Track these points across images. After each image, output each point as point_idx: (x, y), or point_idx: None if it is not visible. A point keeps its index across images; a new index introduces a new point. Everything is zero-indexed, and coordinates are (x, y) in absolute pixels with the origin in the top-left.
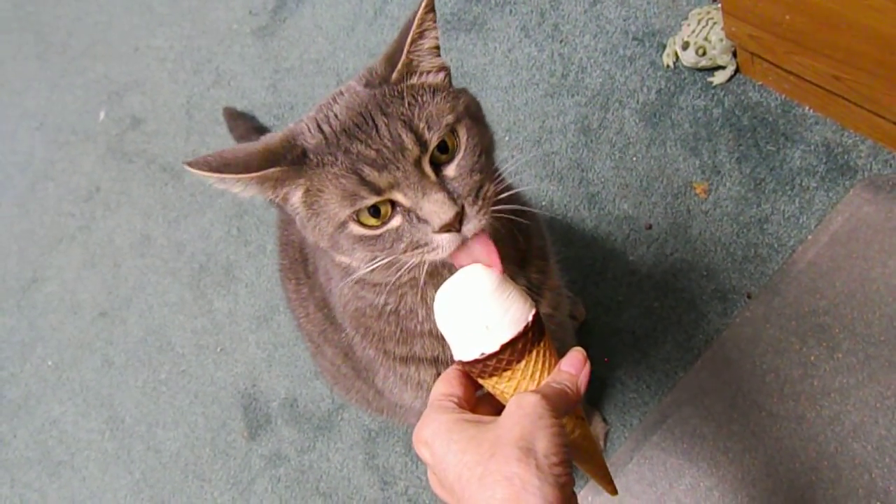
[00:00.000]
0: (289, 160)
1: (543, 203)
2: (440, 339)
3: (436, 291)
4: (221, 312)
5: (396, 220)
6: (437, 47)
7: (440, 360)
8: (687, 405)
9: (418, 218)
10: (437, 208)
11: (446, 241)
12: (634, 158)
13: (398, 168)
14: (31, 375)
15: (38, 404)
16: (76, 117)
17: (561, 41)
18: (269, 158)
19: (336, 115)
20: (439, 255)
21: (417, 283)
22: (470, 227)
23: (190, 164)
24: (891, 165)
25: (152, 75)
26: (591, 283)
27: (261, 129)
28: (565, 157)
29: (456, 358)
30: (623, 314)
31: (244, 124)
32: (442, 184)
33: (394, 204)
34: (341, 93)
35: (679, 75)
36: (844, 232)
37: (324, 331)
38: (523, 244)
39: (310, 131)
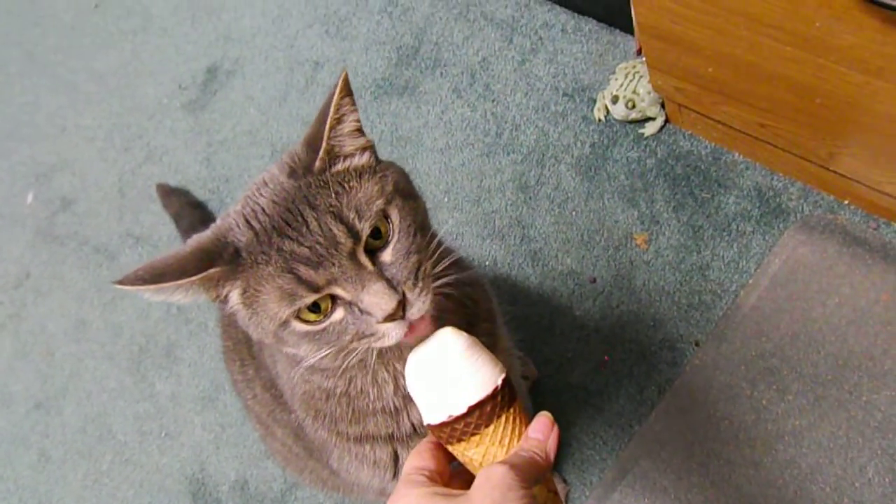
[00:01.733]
0: (225, 259)
1: (487, 262)
2: (393, 416)
3: (386, 371)
4: (164, 395)
5: (339, 313)
6: (359, 129)
7: (395, 436)
8: (645, 459)
9: (360, 310)
10: (377, 300)
11: (392, 330)
12: (574, 213)
13: (333, 263)
14: None
15: None
16: (2, 201)
17: (493, 100)
18: (204, 259)
19: (263, 210)
20: (385, 342)
21: (366, 364)
22: (414, 312)
23: (121, 283)
24: (821, 206)
25: (81, 155)
26: (539, 341)
27: (196, 205)
28: (505, 215)
29: (425, 422)
30: (574, 370)
31: (178, 200)
32: (380, 272)
33: (334, 297)
34: (265, 182)
35: (611, 128)
36: (783, 274)
37: (272, 412)
38: (471, 308)
39: (239, 227)
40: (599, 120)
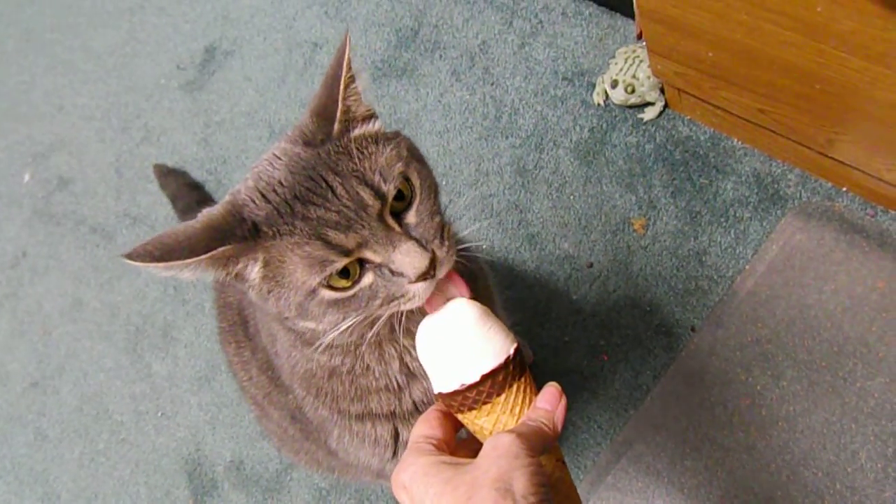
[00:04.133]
0: (239, 236)
1: (484, 246)
2: (396, 393)
3: (393, 347)
4: (160, 376)
5: (368, 278)
6: (361, 92)
7: (396, 414)
8: (639, 442)
9: (391, 272)
10: (410, 259)
11: (422, 289)
12: (571, 197)
13: (363, 226)
14: None
15: None
16: None
17: (492, 84)
18: (216, 237)
19: (281, 182)
20: (415, 303)
21: (375, 340)
22: (442, 270)
23: (129, 257)
24: (818, 193)
25: (78, 134)
26: (536, 325)
27: (193, 185)
28: (503, 198)
29: (435, 391)
30: (570, 355)
31: (176, 181)
32: (408, 232)
33: (362, 262)
34: (277, 157)
35: (610, 113)
36: (780, 260)
37: (269, 394)
38: (471, 283)
39: (254, 202)
40: (598, 104)
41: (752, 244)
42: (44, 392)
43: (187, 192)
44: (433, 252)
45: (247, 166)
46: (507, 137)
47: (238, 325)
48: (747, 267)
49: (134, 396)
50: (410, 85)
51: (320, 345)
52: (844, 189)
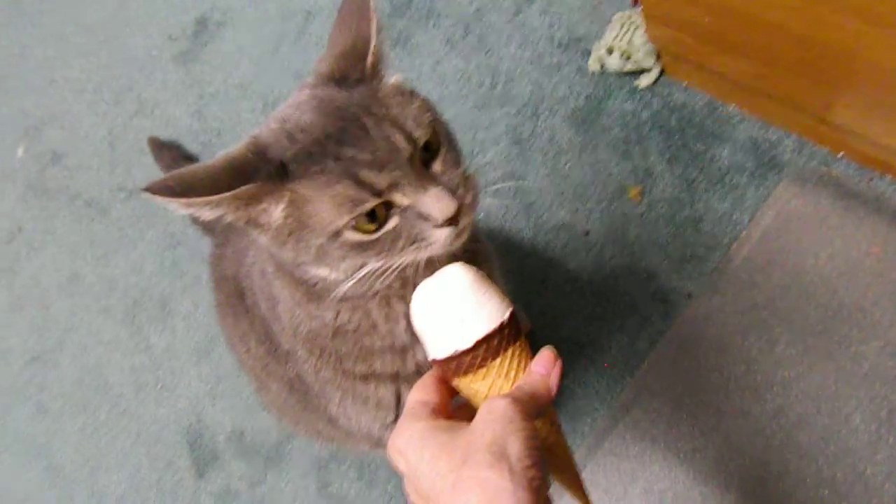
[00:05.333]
0: (264, 175)
1: (480, 216)
2: (400, 354)
3: (402, 304)
4: (159, 348)
5: (394, 221)
6: None
7: (400, 375)
8: (636, 408)
9: (418, 215)
10: (439, 203)
11: (445, 235)
12: (567, 166)
13: (396, 168)
14: None
15: None
16: None
17: (487, 52)
18: (240, 175)
19: (312, 123)
20: (436, 249)
21: (386, 294)
22: (464, 220)
23: (149, 190)
24: (815, 159)
25: (71, 108)
26: (532, 294)
27: (188, 158)
28: (499, 167)
29: (430, 357)
30: (567, 322)
31: (170, 153)
32: (437, 179)
33: (388, 206)
34: (304, 101)
35: (606, 80)
36: (776, 227)
37: (267, 365)
38: (472, 248)
39: (281, 143)
40: (594, 72)
41: (749, 211)
42: (44, 366)
43: (182, 164)
44: (460, 199)
45: (242, 138)
46: (502, 106)
47: (235, 296)
48: (743, 233)
49: (133, 369)
50: (405, 54)
51: (334, 297)
52: (841, 155)
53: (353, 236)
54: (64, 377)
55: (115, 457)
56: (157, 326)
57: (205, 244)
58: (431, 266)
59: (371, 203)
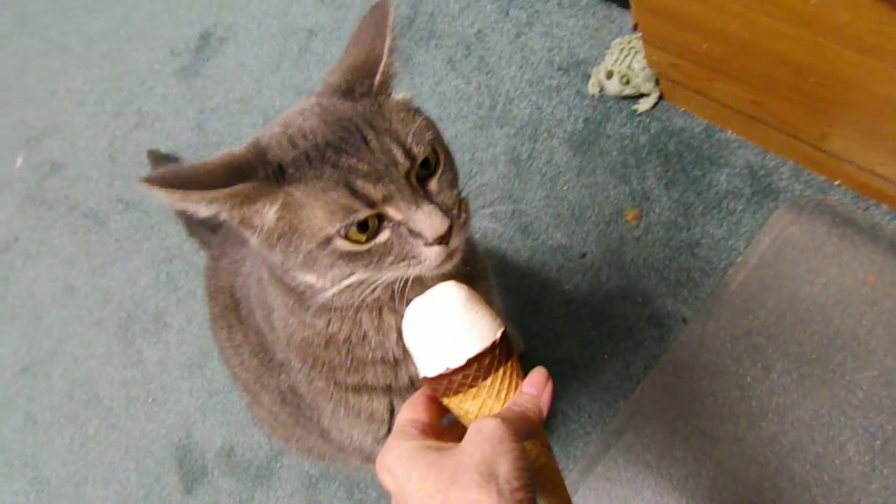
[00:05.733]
0: (261, 176)
1: (476, 235)
2: (393, 366)
3: (393, 316)
4: (152, 361)
5: (385, 235)
6: None
7: (393, 388)
8: (629, 433)
9: (409, 231)
10: (430, 220)
11: (434, 254)
12: (565, 187)
13: (391, 181)
14: None
15: None
16: None
17: (487, 73)
18: (237, 174)
19: (313, 130)
20: (424, 268)
21: (375, 307)
22: (455, 241)
23: (147, 181)
24: (812, 186)
25: (71, 119)
26: (527, 314)
27: None
28: (497, 188)
29: (421, 375)
30: (561, 345)
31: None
32: (431, 197)
33: (380, 219)
34: (308, 108)
35: (605, 104)
36: (772, 253)
37: (260, 377)
38: (470, 264)
39: (281, 146)
40: (593, 95)
41: (745, 236)
42: (34, 377)
43: None
44: (452, 219)
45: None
46: (501, 127)
47: (230, 308)
48: (739, 259)
49: (125, 382)
50: (405, 74)
51: (315, 304)
52: (837, 183)
53: (343, 245)
54: (54, 389)
55: (102, 471)
56: (151, 340)
57: (200, 258)
58: (422, 284)
59: (363, 213)
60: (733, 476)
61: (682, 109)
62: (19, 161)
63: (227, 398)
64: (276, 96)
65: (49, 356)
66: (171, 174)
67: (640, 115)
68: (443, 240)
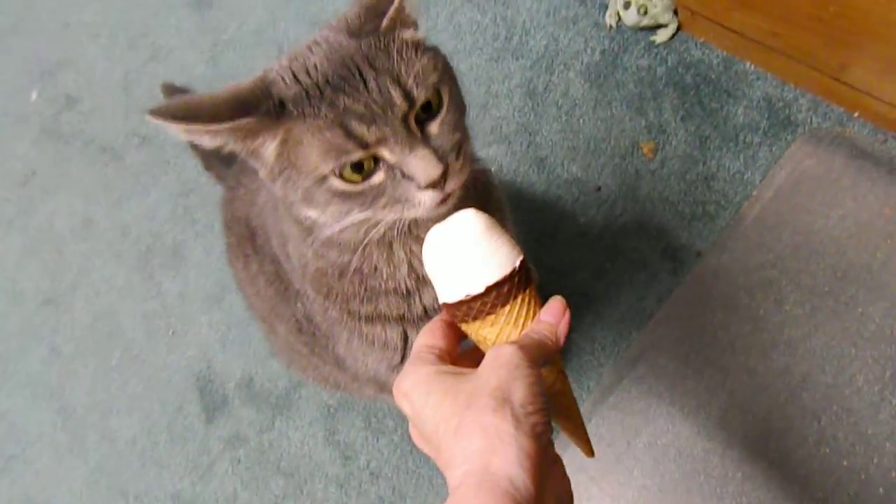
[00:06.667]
0: (263, 111)
1: (492, 168)
2: (405, 297)
3: (402, 251)
4: (171, 294)
5: (379, 176)
6: None
7: (406, 318)
8: (641, 364)
9: (403, 174)
10: (424, 165)
11: (428, 198)
12: (581, 120)
13: (386, 123)
14: None
15: None
16: (6, 99)
17: (504, 4)
18: (241, 108)
19: (316, 66)
20: (419, 212)
21: (385, 241)
22: (451, 185)
23: (153, 113)
24: (830, 119)
25: (85, 52)
26: (542, 247)
27: None
28: (512, 121)
29: (441, 300)
30: (575, 277)
31: None
32: (427, 141)
33: (377, 160)
34: (317, 43)
35: (622, 35)
36: (788, 186)
37: (275, 307)
38: (483, 195)
39: (285, 82)
40: (610, 26)
41: (761, 169)
42: (57, 309)
43: None
44: (447, 164)
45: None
46: (517, 59)
47: (246, 238)
48: (755, 192)
49: (145, 314)
50: (420, 4)
51: (323, 237)
52: (856, 115)
53: (337, 184)
54: (77, 321)
55: (126, 401)
56: (170, 273)
57: (217, 192)
58: (427, 224)
59: (356, 155)
60: (744, 407)
61: (701, 41)
62: (34, 95)
63: (246, 331)
64: (290, 28)
65: (71, 288)
66: (177, 106)
67: (657, 46)
68: (437, 184)
